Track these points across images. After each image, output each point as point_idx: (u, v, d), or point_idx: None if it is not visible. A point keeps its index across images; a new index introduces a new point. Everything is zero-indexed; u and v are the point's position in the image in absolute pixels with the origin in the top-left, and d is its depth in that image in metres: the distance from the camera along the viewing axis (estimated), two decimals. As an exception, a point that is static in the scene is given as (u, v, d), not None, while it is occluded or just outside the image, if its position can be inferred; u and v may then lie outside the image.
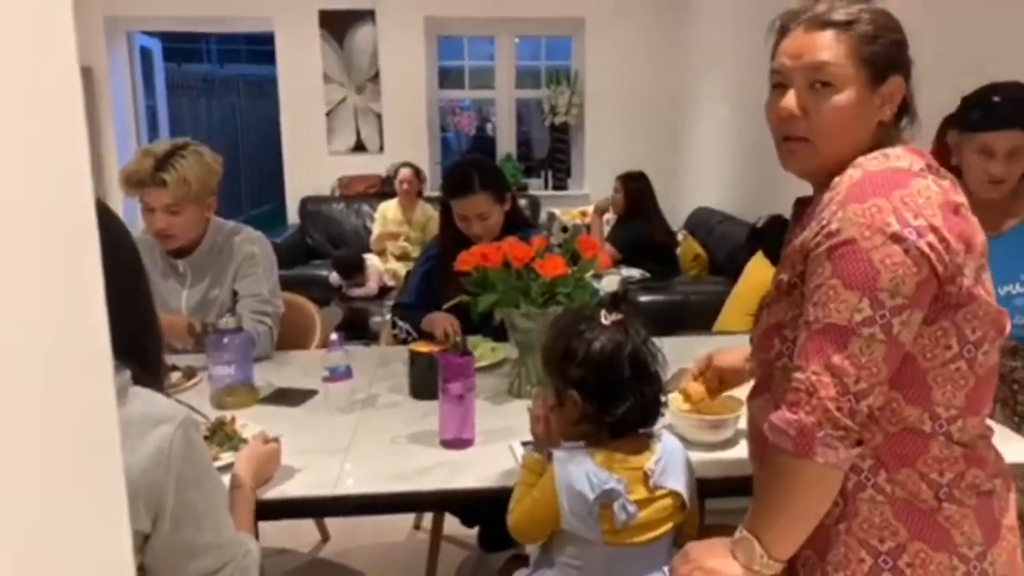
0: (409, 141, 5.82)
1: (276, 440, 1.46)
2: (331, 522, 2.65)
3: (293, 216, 5.84)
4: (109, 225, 1.12)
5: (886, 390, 1.04)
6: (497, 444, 1.56)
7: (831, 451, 1.01)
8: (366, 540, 2.65)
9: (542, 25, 5.96)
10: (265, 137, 9.76)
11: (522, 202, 4.80)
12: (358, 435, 1.65)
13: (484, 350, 2.08)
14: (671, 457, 1.32)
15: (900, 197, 1.02)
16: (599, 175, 5.88)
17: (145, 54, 6.25)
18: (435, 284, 2.25)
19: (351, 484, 1.46)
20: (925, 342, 1.06)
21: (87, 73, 5.58)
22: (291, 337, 2.34)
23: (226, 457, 1.45)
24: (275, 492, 1.41)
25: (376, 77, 5.81)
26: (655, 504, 1.29)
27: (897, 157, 1.09)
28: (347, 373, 1.76)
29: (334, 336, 1.79)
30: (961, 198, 1.08)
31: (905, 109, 1.15)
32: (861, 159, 1.10)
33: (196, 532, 1.03)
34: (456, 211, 2.25)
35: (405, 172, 5.01)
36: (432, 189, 5.47)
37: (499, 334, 2.05)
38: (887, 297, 1.00)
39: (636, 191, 4.44)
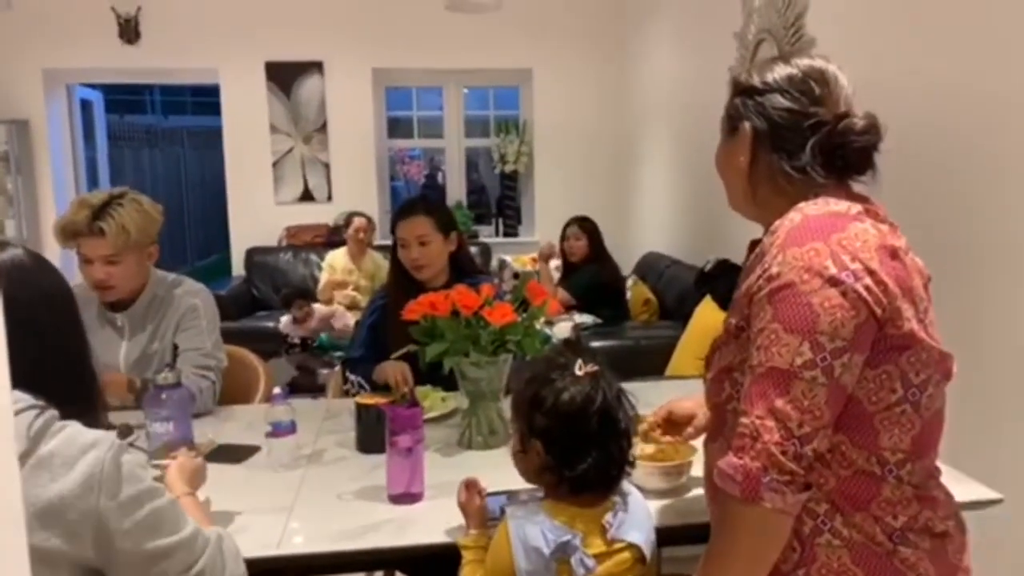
0: (358, 190, 5.80)
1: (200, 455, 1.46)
2: (277, 584, 2.54)
3: (239, 267, 5.75)
4: (42, 275, 1.15)
5: (830, 433, 1.04)
6: (448, 498, 1.51)
7: (778, 496, 1.00)
8: (314, 602, 2.54)
9: (490, 76, 6.06)
10: (211, 188, 9.67)
11: (473, 249, 4.80)
12: (303, 492, 1.59)
13: (434, 400, 2.04)
14: (631, 510, 1.29)
15: (838, 240, 1.04)
16: (549, 221, 5.94)
17: (86, 105, 6.15)
18: (383, 334, 2.22)
19: (297, 543, 1.40)
20: (870, 385, 1.06)
21: (24, 126, 5.47)
22: (235, 391, 2.27)
23: None
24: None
25: (324, 127, 5.81)
26: (614, 558, 1.25)
27: (836, 202, 1.11)
28: (291, 428, 1.71)
29: (277, 390, 1.73)
30: (899, 242, 1.10)
31: (778, 148, 1.15)
32: (802, 204, 1.12)
33: (156, 539, 1.03)
34: (398, 235, 2.25)
35: (360, 221, 4.98)
36: (382, 237, 5.45)
37: (449, 383, 2.01)
38: (827, 340, 1.00)
39: (595, 234, 4.48)
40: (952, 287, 1.99)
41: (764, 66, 1.20)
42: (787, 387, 1.01)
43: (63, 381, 1.09)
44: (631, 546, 1.26)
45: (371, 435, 1.74)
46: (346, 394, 2.25)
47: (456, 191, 6.20)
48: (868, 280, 1.02)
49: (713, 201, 1.33)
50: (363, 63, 5.76)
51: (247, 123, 5.75)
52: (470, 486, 1.38)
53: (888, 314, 1.03)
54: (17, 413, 0.95)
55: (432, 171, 7.40)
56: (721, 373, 1.17)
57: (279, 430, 1.68)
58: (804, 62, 1.17)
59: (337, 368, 2.62)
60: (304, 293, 4.93)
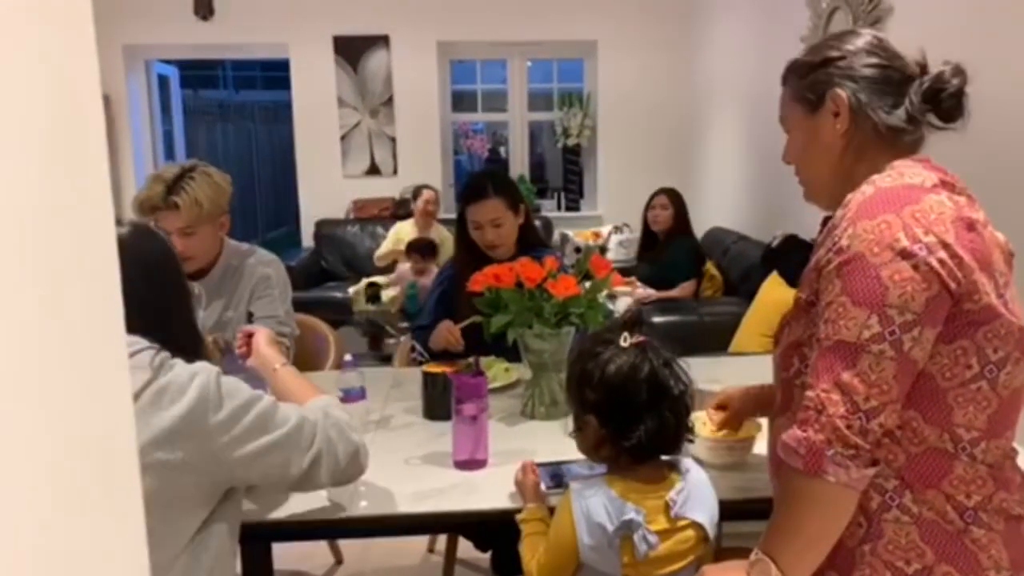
0: (423, 164, 5.86)
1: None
2: (344, 544, 2.64)
3: (308, 239, 5.88)
4: (146, 244, 1.30)
5: (899, 408, 1.03)
6: (511, 465, 1.55)
7: (842, 470, 1.00)
8: (380, 563, 2.63)
9: (554, 48, 6.01)
10: (280, 161, 9.88)
11: (536, 223, 4.82)
12: (372, 456, 1.63)
13: (497, 371, 2.07)
14: (695, 488, 1.28)
15: (911, 213, 1.02)
16: (612, 196, 5.90)
17: (163, 81, 6.34)
18: (450, 304, 2.26)
19: (364, 505, 1.45)
20: (944, 361, 1.04)
21: (106, 101, 5.67)
22: (306, 358, 2.34)
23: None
24: (288, 514, 1.41)
25: (390, 101, 5.87)
26: (677, 535, 1.25)
27: (911, 174, 1.09)
28: (361, 394, 1.76)
29: (348, 357, 1.79)
30: (977, 214, 1.07)
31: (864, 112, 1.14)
32: (875, 176, 1.11)
33: (267, 436, 1.19)
34: (470, 218, 2.27)
35: (429, 193, 5.03)
36: (446, 211, 5.50)
37: (512, 355, 2.04)
38: (896, 314, 0.99)
39: (682, 207, 4.34)
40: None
41: (832, 40, 1.20)
42: (854, 360, 1.00)
43: (172, 332, 1.23)
44: (695, 524, 1.26)
45: (437, 403, 1.79)
46: (414, 363, 2.31)
47: (519, 165, 6.20)
48: (942, 253, 1.00)
49: (780, 176, 1.31)
50: (428, 36, 5.79)
51: (315, 97, 5.85)
52: (525, 466, 1.41)
53: (964, 288, 1.01)
54: (136, 353, 1.11)
55: (495, 145, 7.41)
56: (790, 348, 1.16)
57: (350, 396, 1.74)
58: (867, 30, 1.19)
59: (404, 338, 2.68)
60: (430, 248, 4.75)
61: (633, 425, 1.24)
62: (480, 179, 2.37)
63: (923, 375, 1.04)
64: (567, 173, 6.30)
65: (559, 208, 6.22)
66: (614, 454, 1.27)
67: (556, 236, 5.56)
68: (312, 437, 1.25)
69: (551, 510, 1.33)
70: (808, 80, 1.18)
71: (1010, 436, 1.11)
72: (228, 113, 11.09)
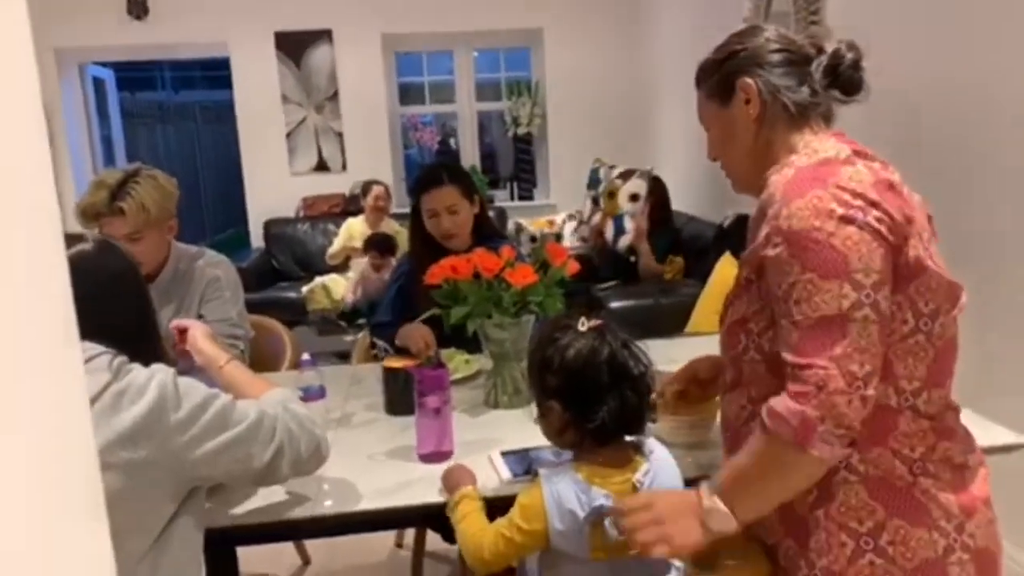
0: (372, 158, 5.80)
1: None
2: (311, 544, 2.61)
3: (257, 239, 5.79)
4: (107, 258, 1.31)
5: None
6: (476, 455, 1.55)
7: (827, 447, 1.02)
8: (348, 560, 2.61)
9: (500, 37, 6.00)
10: (225, 161, 9.68)
11: (490, 213, 4.81)
12: (334, 454, 1.61)
13: (458, 363, 2.07)
14: (660, 468, 1.30)
15: (835, 184, 1.07)
16: (564, 184, 5.92)
17: (98, 84, 6.16)
18: (409, 300, 2.24)
19: (329, 504, 1.44)
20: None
21: (39, 104, 5.48)
22: (263, 359, 2.31)
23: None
24: (253, 517, 1.39)
25: (335, 96, 5.80)
26: None
27: (825, 148, 1.15)
28: (321, 392, 1.74)
29: (306, 356, 1.77)
30: (893, 176, 1.12)
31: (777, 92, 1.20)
32: (792, 157, 1.17)
33: (227, 433, 1.20)
34: (426, 206, 2.25)
35: (379, 189, 4.99)
36: (397, 206, 5.45)
37: (473, 346, 2.04)
38: (863, 277, 1.02)
39: (662, 189, 4.37)
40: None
41: (734, 37, 1.27)
42: (843, 332, 1.02)
43: (134, 341, 1.25)
44: None
45: (399, 397, 1.78)
46: (374, 358, 2.29)
47: (470, 156, 6.18)
48: (875, 212, 1.04)
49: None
50: (372, 29, 5.72)
51: (259, 95, 5.74)
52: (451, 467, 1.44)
53: (898, 243, 1.06)
54: (93, 357, 1.14)
55: (445, 137, 7.36)
56: (735, 325, 1.19)
57: (309, 395, 1.72)
58: (766, 25, 1.29)
59: (362, 334, 2.66)
60: (388, 243, 4.70)
61: (596, 407, 1.24)
62: (434, 168, 2.38)
63: None
64: (519, 162, 6.29)
65: (512, 198, 6.22)
66: (578, 438, 1.28)
67: (511, 226, 5.56)
68: (272, 431, 1.26)
69: (511, 498, 1.32)
70: (717, 76, 1.25)
71: (948, 385, 1.14)
72: (168, 115, 10.83)
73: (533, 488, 1.27)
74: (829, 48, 1.20)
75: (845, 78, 1.19)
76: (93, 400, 1.09)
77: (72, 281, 0.43)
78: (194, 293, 2.15)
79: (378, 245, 4.64)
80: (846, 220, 1.03)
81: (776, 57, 1.20)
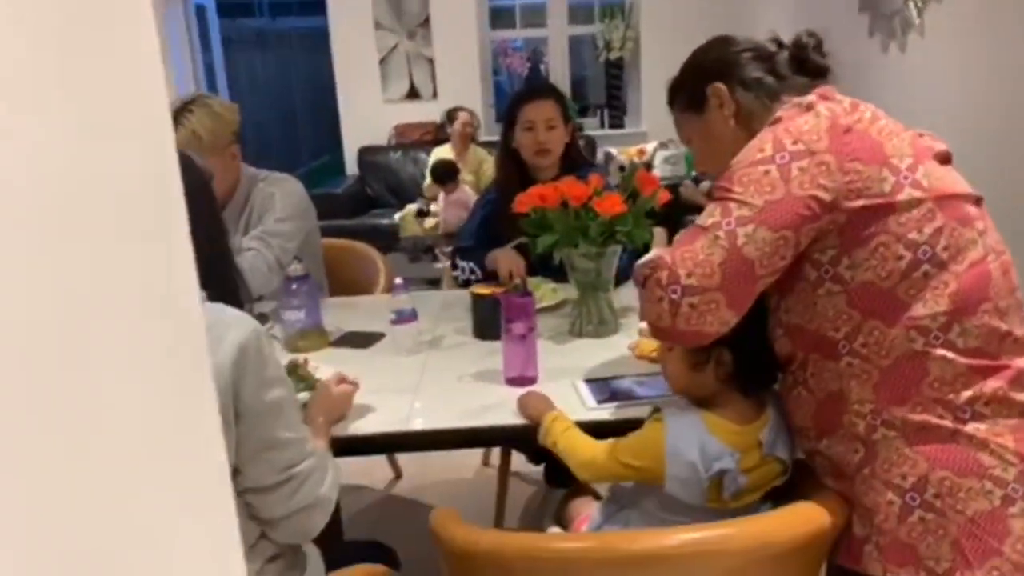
0: (462, 85, 5.78)
1: (354, 383, 1.50)
2: (403, 459, 2.76)
3: (352, 167, 5.90)
4: (192, 171, 1.28)
5: (722, 308, 1.07)
6: (560, 382, 1.59)
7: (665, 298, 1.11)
8: (437, 476, 2.74)
9: (593, -42, 5.79)
10: (320, 88, 9.81)
11: (579, 141, 4.75)
12: (426, 375, 1.70)
13: (544, 291, 2.10)
14: (779, 423, 1.26)
15: (784, 127, 1.11)
16: (656, 112, 5.76)
17: (200, 12, 6.32)
18: (494, 227, 2.27)
19: (421, 421, 1.52)
20: (873, 263, 1.05)
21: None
22: (357, 283, 2.40)
23: (302, 397, 1.52)
24: (349, 429, 1.47)
25: (427, 22, 5.77)
26: (762, 469, 1.24)
27: (789, 106, 1.19)
28: (413, 316, 1.81)
29: (399, 280, 1.83)
30: (852, 116, 1.11)
31: (751, 86, 1.26)
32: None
33: (275, 427, 1.12)
34: (525, 117, 2.25)
35: (464, 115, 4.97)
36: (486, 133, 5.45)
37: (560, 275, 2.06)
38: (735, 207, 1.08)
39: None
40: None
41: (697, 52, 1.36)
42: (693, 239, 1.10)
43: (208, 269, 1.22)
44: (779, 459, 1.26)
45: (487, 323, 1.83)
46: (455, 280, 2.34)
47: (560, 82, 6.05)
48: (804, 161, 1.06)
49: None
50: (464, -48, 5.63)
51: (352, 21, 5.77)
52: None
53: (846, 189, 1.05)
54: None
55: (535, 62, 7.24)
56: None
57: (402, 318, 1.79)
58: (724, 36, 1.36)
59: (447, 263, 2.72)
60: (446, 170, 4.69)
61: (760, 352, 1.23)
62: (539, 83, 2.39)
63: (864, 285, 1.06)
64: (610, 89, 6.13)
65: (602, 126, 6.10)
66: (718, 383, 1.23)
67: (600, 155, 5.48)
68: (308, 456, 1.18)
69: (592, 424, 1.34)
70: (687, 90, 1.33)
71: (988, 310, 1.05)
72: (266, 41, 11.01)
73: (654, 428, 1.24)
74: (787, 41, 1.28)
75: (812, 64, 1.26)
76: None
77: None
78: (255, 214, 2.16)
79: (434, 173, 4.66)
80: (762, 162, 1.09)
81: (739, 59, 1.28)
